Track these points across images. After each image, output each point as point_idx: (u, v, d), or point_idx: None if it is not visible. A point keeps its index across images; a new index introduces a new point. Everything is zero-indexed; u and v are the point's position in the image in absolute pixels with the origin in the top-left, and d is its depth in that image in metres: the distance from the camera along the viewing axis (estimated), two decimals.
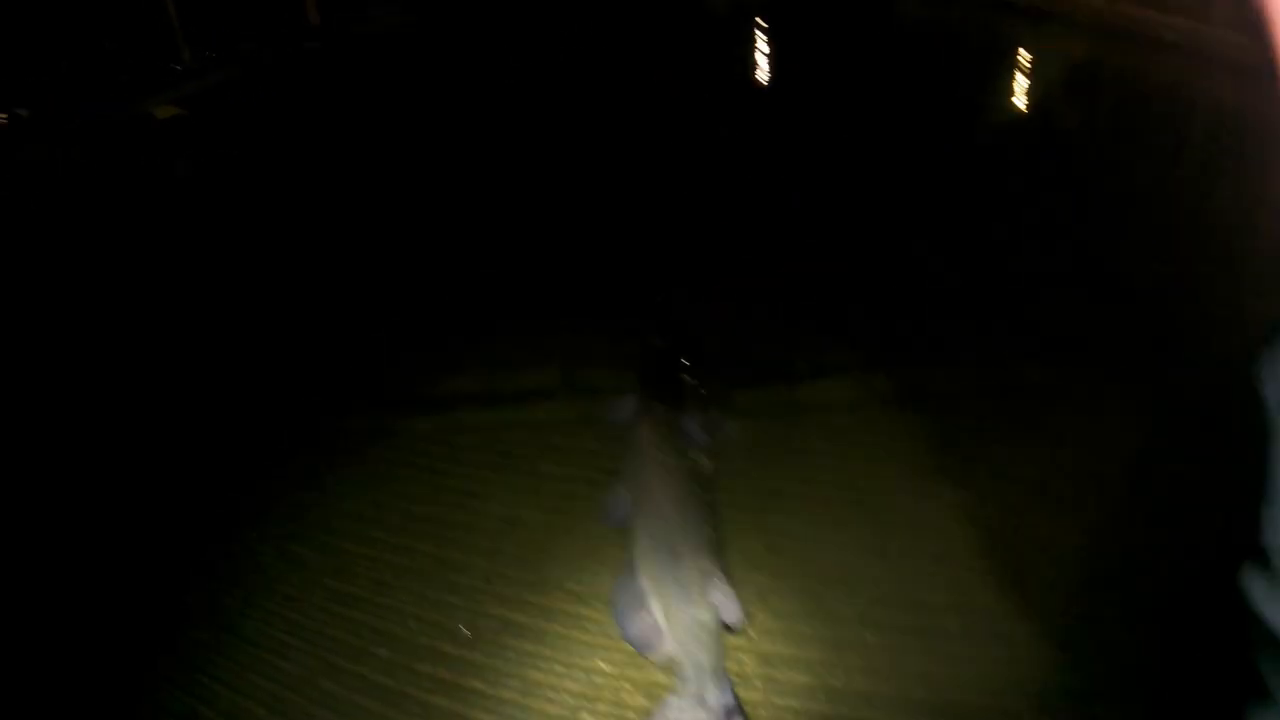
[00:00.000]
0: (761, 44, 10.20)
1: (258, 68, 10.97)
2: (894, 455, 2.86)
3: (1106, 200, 4.86)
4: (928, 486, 2.71)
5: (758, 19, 11.05)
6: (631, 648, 2.22)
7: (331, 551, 2.78)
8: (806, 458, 2.88)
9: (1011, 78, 7.72)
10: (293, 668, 2.40)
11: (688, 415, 2.92)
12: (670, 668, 2.12)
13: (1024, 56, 8.38)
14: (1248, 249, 3.67)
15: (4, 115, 10.84)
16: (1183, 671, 1.99)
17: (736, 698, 2.01)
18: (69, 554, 3.14)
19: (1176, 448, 2.81)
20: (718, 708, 1.97)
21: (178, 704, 2.42)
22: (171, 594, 2.82)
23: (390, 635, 2.42)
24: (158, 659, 2.58)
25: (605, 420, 3.08)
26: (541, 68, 9.70)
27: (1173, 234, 4.28)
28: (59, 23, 10.35)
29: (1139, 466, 2.75)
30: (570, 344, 3.73)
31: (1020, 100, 7.22)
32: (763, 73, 9.00)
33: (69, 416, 3.97)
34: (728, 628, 2.18)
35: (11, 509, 3.40)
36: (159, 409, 3.88)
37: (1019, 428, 2.98)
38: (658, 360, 3.30)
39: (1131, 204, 4.81)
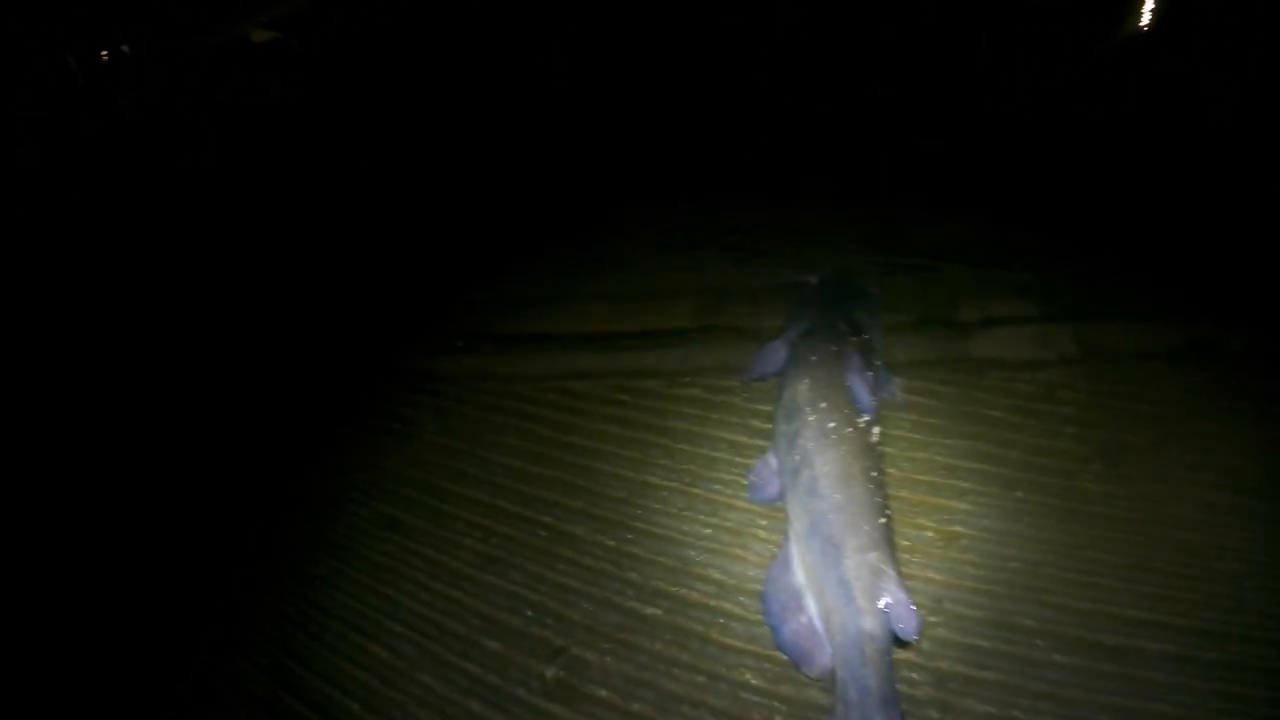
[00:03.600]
0: None
1: None
2: (1083, 428, 2.35)
3: None
4: (1122, 470, 2.22)
5: None
6: (785, 658, 1.88)
7: (433, 516, 2.49)
8: (984, 427, 2.40)
9: None
10: (389, 656, 2.13)
11: (851, 368, 2.41)
12: (830, 687, 1.73)
13: None
14: None
15: (105, 51, 11.09)
16: None
17: None
18: (141, 509, 2.98)
19: None
20: None
21: (260, 688, 2.20)
22: (252, 559, 2.60)
23: (500, 624, 2.12)
24: (238, 634, 2.36)
25: (751, 370, 2.64)
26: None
27: None
28: None
29: None
30: (708, 274, 3.27)
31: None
32: None
33: (165, 352, 3.85)
34: (900, 641, 1.75)
35: (95, 469, 3.28)
36: (247, 345, 3.70)
37: (1227, 403, 2.41)
38: (814, 299, 2.81)
39: None
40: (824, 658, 1.79)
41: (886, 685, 1.68)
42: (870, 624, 1.74)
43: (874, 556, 1.85)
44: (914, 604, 1.76)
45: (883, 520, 1.96)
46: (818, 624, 1.83)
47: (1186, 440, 2.29)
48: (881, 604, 1.76)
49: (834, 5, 6.08)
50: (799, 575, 1.94)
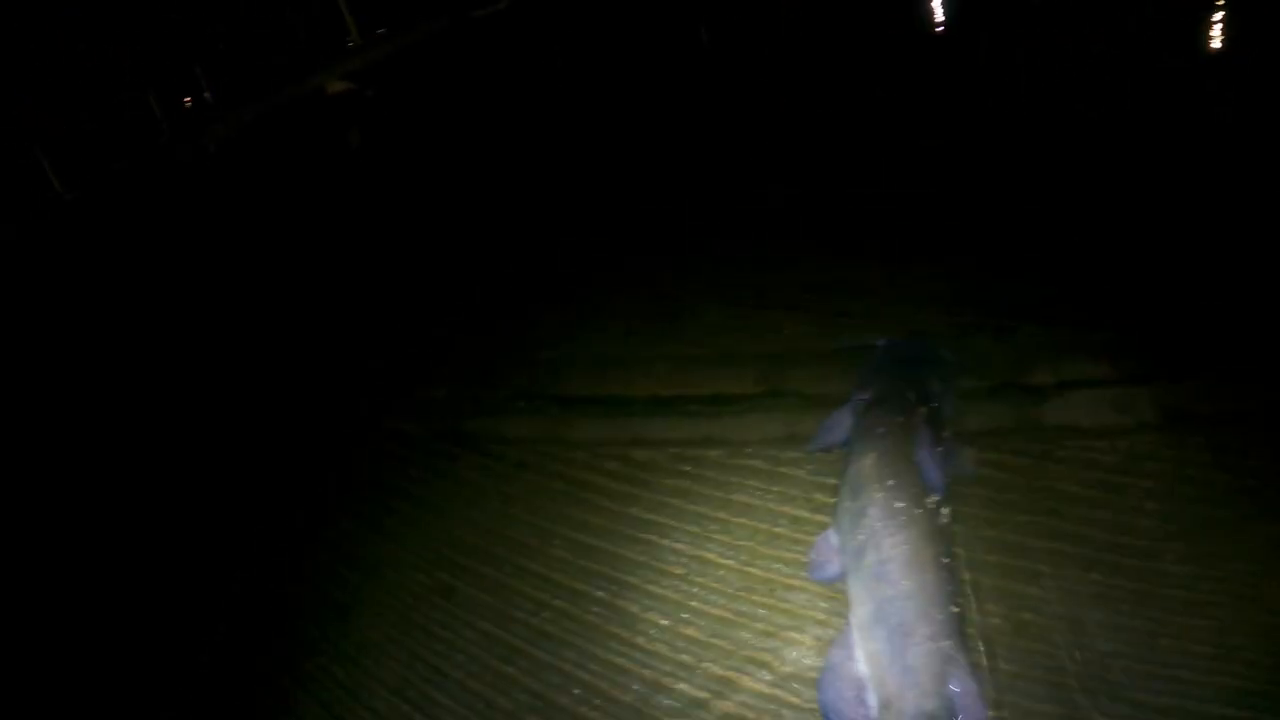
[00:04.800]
0: None
1: (426, 40, 11.23)
2: (1165, 503, 2.18)
3: None
4: (1208, 549, 2.04)
5: None
6: None
7: (487, 586, 2.49)
8: (1059, 503, 2.26)
9: None
10: None
11: (920, 442, 2.32)
12: None
13: None
14: None
15: (189, 98, 11.77)
16: None
17: None
18: (201, 563, 3.06)
19: None
20: None
21: None
22: (306, 619, 2.64)
23: (549, 702, 2.10)
24: (290, 695, 2.39)
25: (816, 440, 2.57)
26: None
27: None
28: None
29: None
30: (774, 335, 3.23)
31: None
32: None
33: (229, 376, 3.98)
34: None
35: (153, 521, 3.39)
36: (309, 395, 3.81)
37: None
38: (882, 363, 2.74)
39: None
40: None
41: None
42: (933, 707, 1.67)
43: (946, 645, 1.78)
44: (981, 695, 1.68)
45: (955, 609, 1.88)
46: (875, 716, 1.76)
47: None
48: (948, 691, 1.69)
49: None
50: (860, 663, 1.86)
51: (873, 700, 1.78)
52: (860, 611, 1.93)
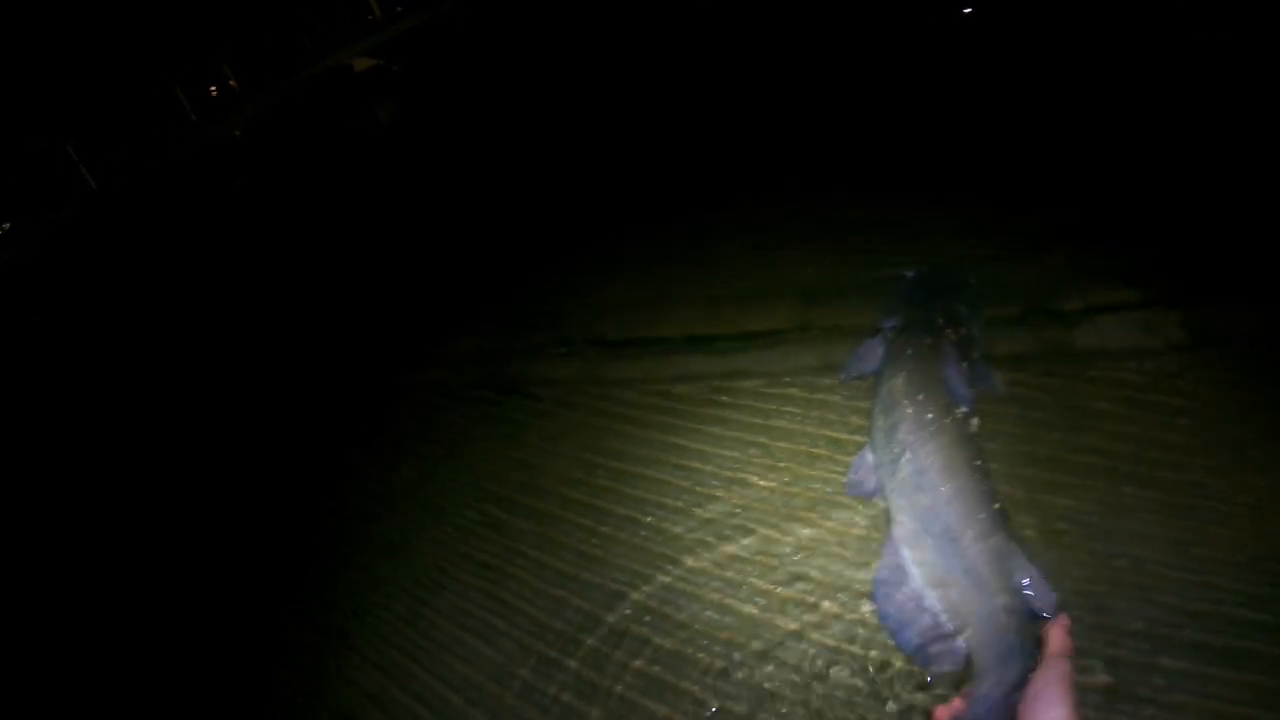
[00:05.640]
0: None
1: (450, 11, 11.25)
2: (1197, 420, 2.20)
3: None
4: (1240, 463, 2.06)
5: None
6: (882, 658, 1.84)
7: (535, 517, 2.57)
8: (1089, 419, 2.28)
9: None
10: (492, 652, 2.21)
11: (948, 362, 2.36)
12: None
13: None
14: None
15: (214, 87, 11.93)
16: None
17: None
18: (262, 507, 3.18)
19: None
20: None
21: (369, 681, 2.31)
22: (365, 558, 2.75)
23: (600, 622, 2.17)
24: (351, 630, 2.50)
25: (848, 369, 2.61)
26: None
27: None
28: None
29: None
30: (804, 272, 3.26)
31: None
32: None
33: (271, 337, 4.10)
34: (1039, 617, 1.71)
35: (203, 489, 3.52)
36: (350, 347, 3.92)
37: None
38: (910, 293, 2.76)
39: None
40: (955, 656, 1.76)
41: (1028, 663, 1.64)
42: (1002, 602, 1.72)
43: (996, 540, 1.82)
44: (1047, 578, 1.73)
45: (997, 505, 1.93)
46: (944, 621, 1.80)
47: None
48: (1014, 584, 1.74)
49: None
50: (914, 576, 1.91)
51: (937, 606, 1.82)
52: (905, 524, 1.98)
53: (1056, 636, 1.45)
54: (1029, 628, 1.64)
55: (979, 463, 2.02)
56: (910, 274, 2.85)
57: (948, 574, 1.81)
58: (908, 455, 2.08)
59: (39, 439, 5.55)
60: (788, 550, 2.15)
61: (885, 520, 2.05)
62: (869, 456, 2.23)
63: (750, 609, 2.06)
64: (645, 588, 2.20)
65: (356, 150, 7.69)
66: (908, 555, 1.94)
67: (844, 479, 2.25)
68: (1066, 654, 1.38)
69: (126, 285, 8.09)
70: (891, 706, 1.78)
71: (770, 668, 1.92)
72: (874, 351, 2.58)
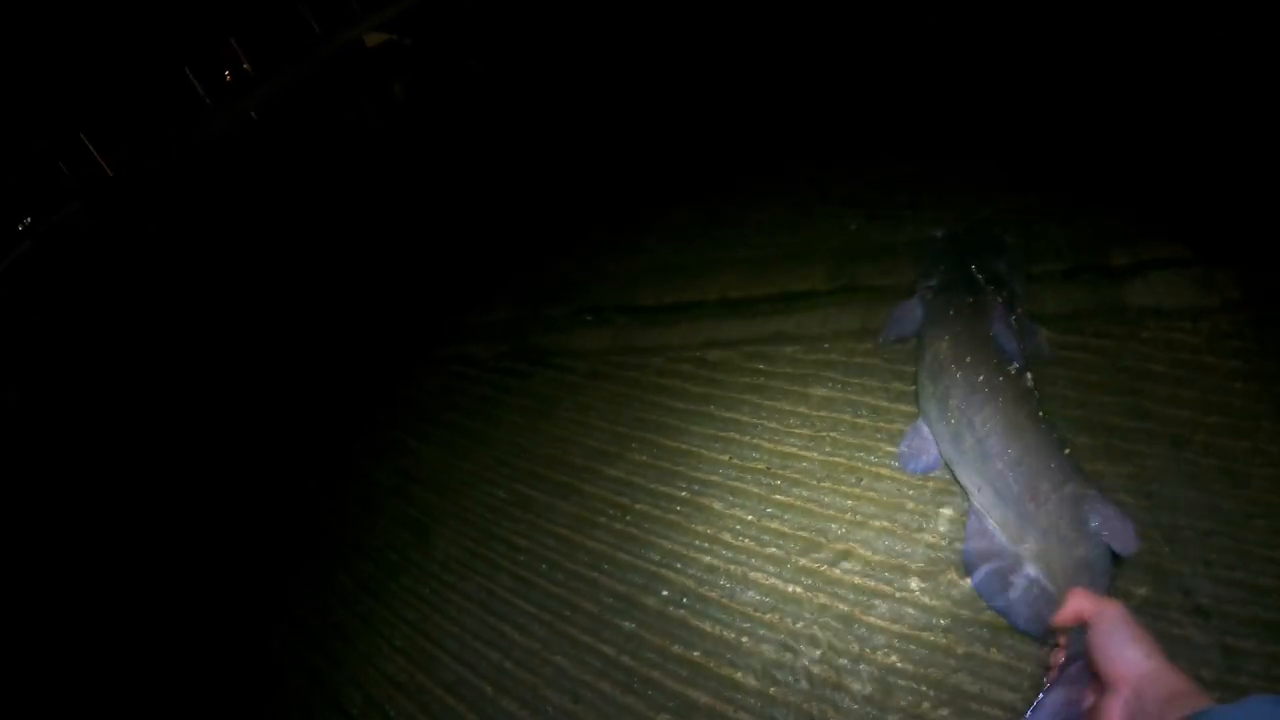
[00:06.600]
0: None
1: None
2: (1254, 382, 2.02)
3: None
4: None
5: None
6: (933, 640, 1.74)
7: (567, 494, 2.47)
8: (1142, 381, 2.11)
9: None
10: (522, 638, 2.12)
11: (995, 319, 2.22)
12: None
13: None
14: None
15: (229, 73, 11.96)
16: None
17: None
18: (287, 488, 3.12)
19: None
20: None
21: (393, 667, 2.24)
22: (388, 540, 2.67)
23: (636, 605, 2.06)
24: (376, 615, 2.42)
25: (886, 332, 2.48)
26: None
27: None
28: None
29: None
30: (841, 232, 3.10)
31: None
32: None
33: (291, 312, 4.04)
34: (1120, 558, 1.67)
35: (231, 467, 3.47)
36: (376, 322, 3.85)
37: None
38: (946, 252, 2.61)
39: None
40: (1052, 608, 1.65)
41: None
42: (1084, 551, 1.63)
43: (1071, 489, 1.73)
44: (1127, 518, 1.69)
45: (1066, 452, 1.83)
46: (1045, 581, 1.69)
47: None
48: (1091, 530, 1.66)
49: None
50: (1001, 540, 1.80)
51: (1030, 570, 1.72)
52: (980, 495, 1.88)
53: (1078, 597, 1.36)
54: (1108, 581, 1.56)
55: (1040, 415, 1.92)
56: (941, 233, 2.73)
57: (1031, 534, 1.73)
58: (968, 424, 1.97)
59: (50, 418, 5.58)
60: (834, 526, 2.03)
61: (938, 493, 1.94)
62: (924, 429, 2.12)
63: (796, 589, 1.94)
64: (681, 567, 2.09)
65: (375, 127, 7.59)
66: (992, 526, 1.84)
67: (890, 449, 2.15)
68: (1107, 606, 1.28)
69: (151, 268, 8.10)
70: (929, 692, 1.66)
71: (818, 651, 1.80)
72: (912, 313, 2.47)
